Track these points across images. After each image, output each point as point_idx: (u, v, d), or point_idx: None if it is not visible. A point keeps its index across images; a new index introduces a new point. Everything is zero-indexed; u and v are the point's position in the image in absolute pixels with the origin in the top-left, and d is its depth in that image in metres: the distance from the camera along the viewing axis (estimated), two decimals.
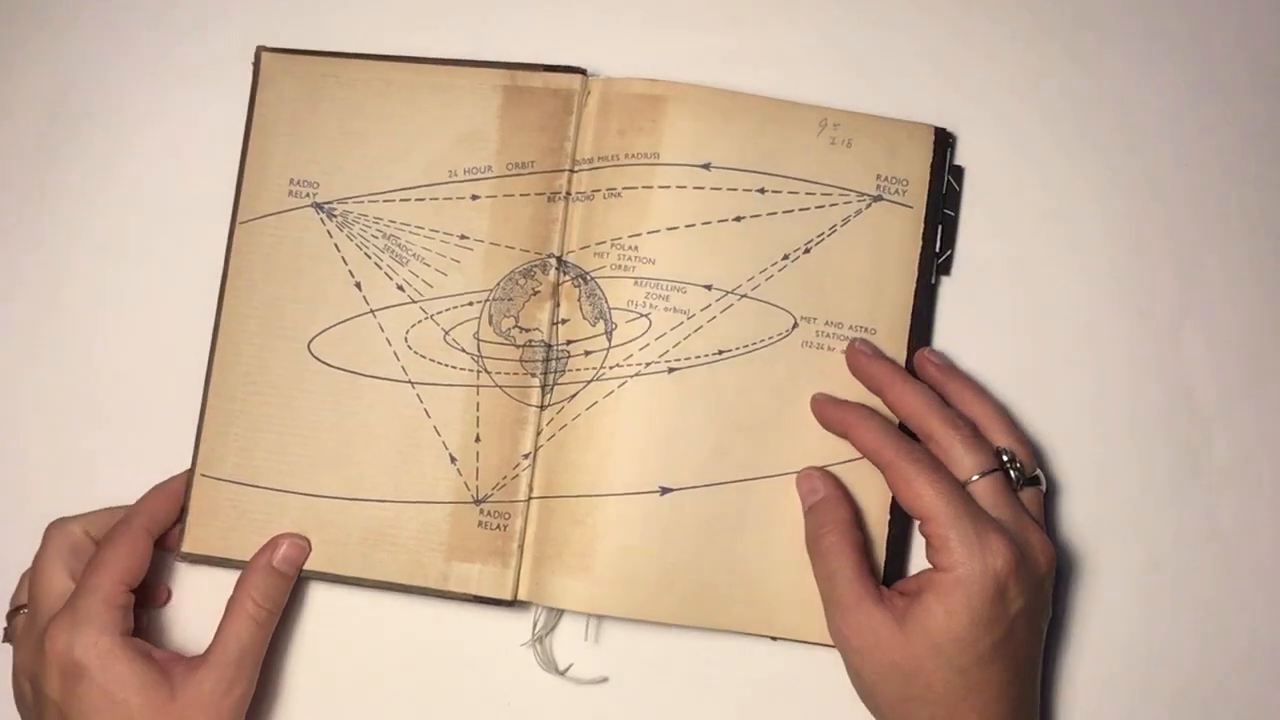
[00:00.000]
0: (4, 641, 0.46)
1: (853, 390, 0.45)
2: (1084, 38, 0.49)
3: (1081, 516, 0.47)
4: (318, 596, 0.47)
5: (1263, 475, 0.47)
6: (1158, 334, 0.48)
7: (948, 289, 0.48)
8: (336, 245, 0.47)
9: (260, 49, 0.48)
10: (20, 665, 0.44)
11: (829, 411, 0.45)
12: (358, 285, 0.47)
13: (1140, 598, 0.47)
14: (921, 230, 0.47)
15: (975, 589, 0.39)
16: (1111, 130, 0.49)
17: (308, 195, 0.47)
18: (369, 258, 0.47)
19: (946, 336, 0.48)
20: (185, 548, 0.46)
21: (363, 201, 0.47)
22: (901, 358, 0.46)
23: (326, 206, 0.47)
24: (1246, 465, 0.47)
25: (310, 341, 0.46)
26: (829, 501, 0.43)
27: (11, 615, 0.45)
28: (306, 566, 0.45)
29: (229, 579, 0.45)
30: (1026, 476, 0.43)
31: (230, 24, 0.50)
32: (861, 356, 0.45)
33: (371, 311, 0.46)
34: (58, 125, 0.51)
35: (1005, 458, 0.43)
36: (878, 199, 0.46)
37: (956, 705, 0.40)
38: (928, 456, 0.42)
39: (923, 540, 0.41)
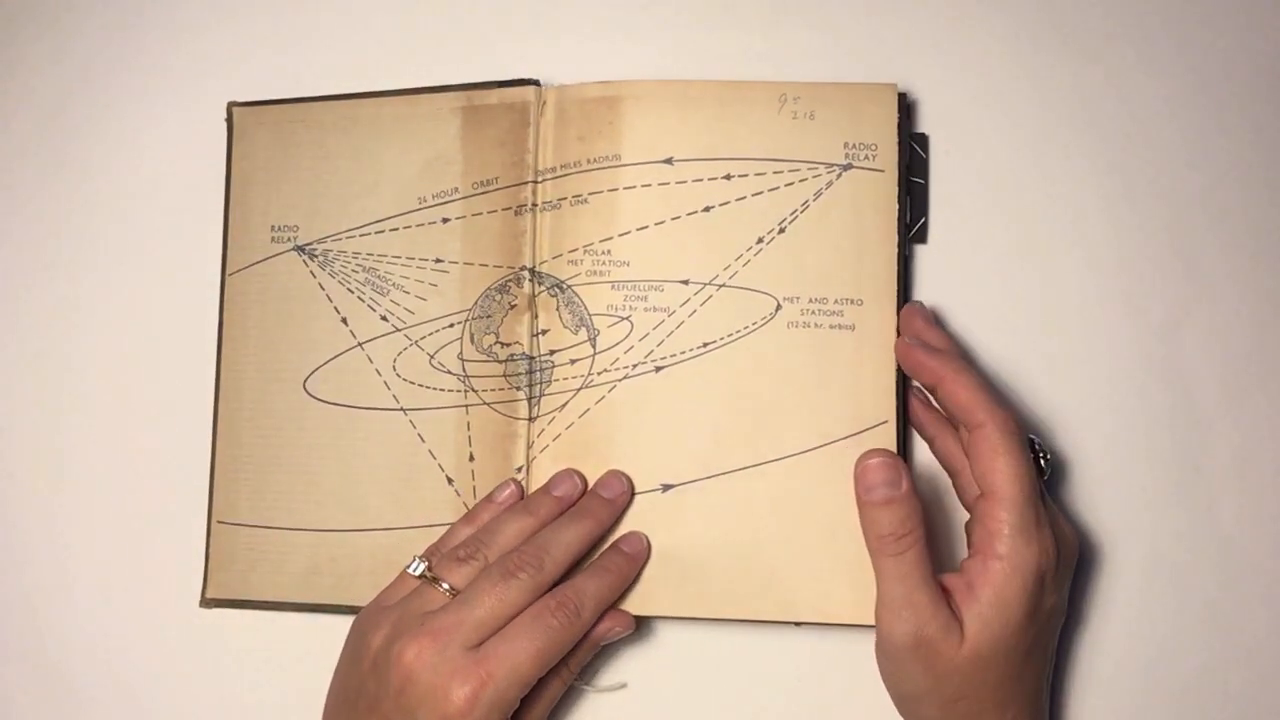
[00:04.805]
0: (418, 576, 0.42)
1: (851, 363, 0.44)
2: (1085, 23, 0.49)
3: (1080, 511, 0.46)
4: (337, 629, 0.47)
5: (1264, 472, 0.46)
6: (1154, 329, 0.47)
7: (934, 266, 0.47)
8: (320, 285, 0.48)
9: (231, 104, 0.50)
10: (381, 619, 0.41)
11: (920, 358, 0.42)
12: (344, 321, 0.47)
13: (1141, 595, 0.46)
14: (897, 194, 0.45)
15: (1029, 578, 0.38)
16: (1110, 117, 0.48)
17: (289, 239, 0.48)
18: (352, 292, 0.47)
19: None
20: (209, 594, 0.47)
21: (340, 239, 0.48)
22: (891, 326, 0.45)
23: (308, 248, 0.48)
24: (1248, 461, 0.46)
25: (305, 380, 0.47)
26: (911, 498, 0.39)
27: (434, 578, 0.41)
28: (320, 600, 0.46)
29: (247, 619, 0.46)
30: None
31: (205, 80, 0.52)
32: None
33: (359, 344, 0.47)
34: (47, 179, 0.52)
35: (1036, 446, 0.41)
36: (848, 168, 0.45)
37: (1005, 700, 0.39)
38: (1020, 430, 0.40)
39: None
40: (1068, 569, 0.41)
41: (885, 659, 0.40)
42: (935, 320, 0.44)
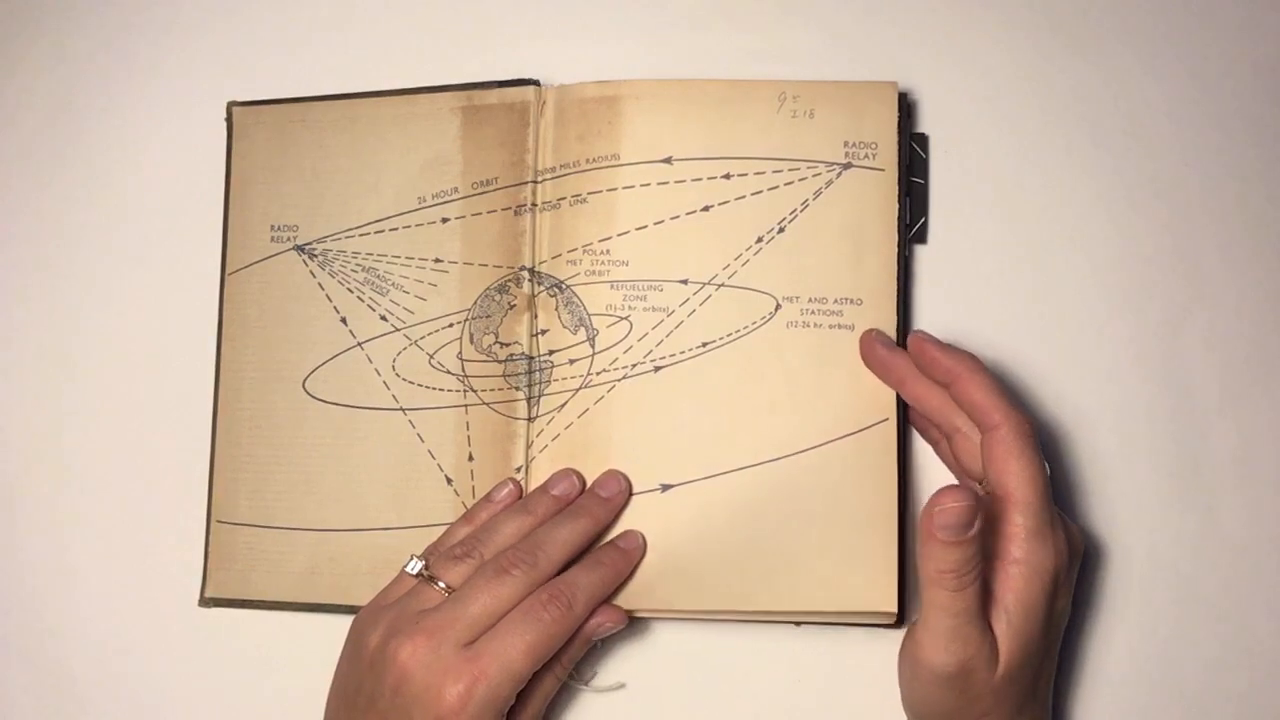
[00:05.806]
0: (415, 575, 0.42)
1: (851, 362, 0.44)
2: (1085, 23, 0.49)
3: (1081, 511, 0.46)
4: (337, 628, 0.47)
5: (1264, 472, 0.46)
6: (1154, 329, 0.47)
7: (934, 266, 0.47)
8: (320, 284, 0.48)
9: (231, 104, 0.50)
10: (378, 619, 0.41)
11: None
12: (343, 320, 0.47)
13: (1142, 595, 0.46)
14: (897, 193, 0.45)
15: (1048, 580, 0.38)
16: (1110, 118, 0.48)
17: (289, 239, 0.48)
18: (351, 292, 0.47)
19: (931, 315, 0.47)
20: (208, 593, 0.47)
21: (340, 238, 0.48)
22: (891, 326, 0.45)
23: (307, 248, 0.48)
24: (1247, 461, 0.46)
25: (305, 380, 0.47)
26: (979, 539, 0.37)
27: (430, 577, 0.42)
28: (319, 600, 0.46)
29: (247, 619, 0.46)
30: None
31: (205, 81, 0.52)
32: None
33: (359, 344, 0.47)
34: (47, 179, 0.52)
35: None
36: (848, 167, 0.45)
37: (1023, 706, 0.39)
38: (1034, 432, 0.39)
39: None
40: (1074, 569, 0.41)
41: (917, 683, 0.39)
42: (894, 345, 0.44)
